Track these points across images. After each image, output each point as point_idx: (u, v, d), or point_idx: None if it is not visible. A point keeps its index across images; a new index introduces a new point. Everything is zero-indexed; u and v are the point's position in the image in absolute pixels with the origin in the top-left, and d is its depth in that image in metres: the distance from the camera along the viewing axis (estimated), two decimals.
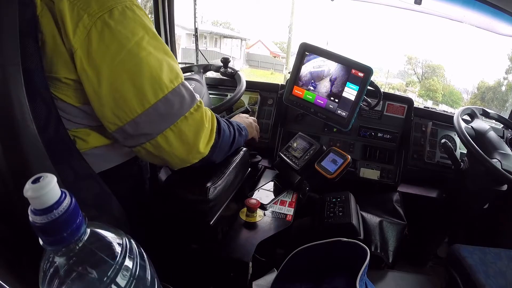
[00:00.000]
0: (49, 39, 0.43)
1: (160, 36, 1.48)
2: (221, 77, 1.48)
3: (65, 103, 0.48)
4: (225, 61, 1.25)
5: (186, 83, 0.53)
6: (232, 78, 1.24)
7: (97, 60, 0.44)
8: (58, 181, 0.25)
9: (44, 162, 0.41)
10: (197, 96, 0.55)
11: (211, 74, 1.44)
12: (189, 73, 1.28)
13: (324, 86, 1.06)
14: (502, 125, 1.31)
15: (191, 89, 0.54)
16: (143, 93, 0.47)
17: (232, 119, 0.78)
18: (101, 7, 0.44)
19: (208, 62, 1.46)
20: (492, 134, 1.09)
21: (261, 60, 14.98)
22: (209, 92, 1.45)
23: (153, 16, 1.46)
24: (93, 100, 0.47)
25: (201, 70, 1.27)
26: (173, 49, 1.59)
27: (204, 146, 0.55)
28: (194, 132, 0.53)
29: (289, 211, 0.85)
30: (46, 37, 0.43)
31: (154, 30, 0.50)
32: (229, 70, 1.25)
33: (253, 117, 0.89)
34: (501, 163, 0.97)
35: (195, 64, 1.36)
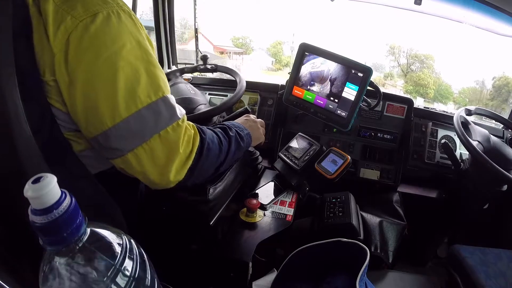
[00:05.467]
0: (36, 40, 0.42)
1: (160, 36, 1.50)
2: (221, 77, 1.48)
3: (54, 108, 0.46)
4: (204, 57, 1.32)
5: (170, 97, 0.50)
6: (215, 72, 1.31)
7: (72, 66, 0.42)
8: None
9: (39, 162, 0.41)
10: (180, 114, 0.51)
11: (210, 74, 1.44)
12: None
13: (324, 86, 1.06)
14: (502, 125, 1.31)
15: (174, 104, 0.50)
16: (115, 105, 0.44)
17: (238, 122, 0.73)
18: (86, 10, 0.42)
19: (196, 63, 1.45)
20: (493, 138, 1.09)
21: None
22: (209, 92, 1.46)
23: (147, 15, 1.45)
24: (68, 107, 0.45)
25: (177, 74, 1.28)
26: (173, 50, 1.59)
27: (174, 174, 0.50)
28: (166, 155, 0.49)
29: (289, 211, 0.85)
30: (35, 38, 0.42)
31: (142, 38, 0.47)
32: (208, 66, 1.30)
33: (260, 119, 0.82)
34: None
35: (177, 69, 1.33)
